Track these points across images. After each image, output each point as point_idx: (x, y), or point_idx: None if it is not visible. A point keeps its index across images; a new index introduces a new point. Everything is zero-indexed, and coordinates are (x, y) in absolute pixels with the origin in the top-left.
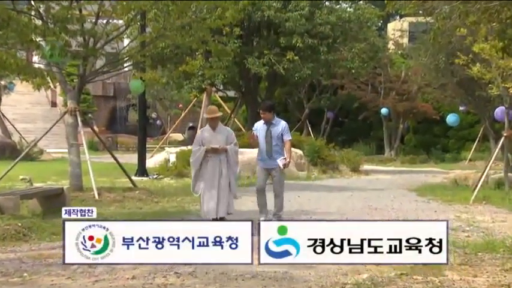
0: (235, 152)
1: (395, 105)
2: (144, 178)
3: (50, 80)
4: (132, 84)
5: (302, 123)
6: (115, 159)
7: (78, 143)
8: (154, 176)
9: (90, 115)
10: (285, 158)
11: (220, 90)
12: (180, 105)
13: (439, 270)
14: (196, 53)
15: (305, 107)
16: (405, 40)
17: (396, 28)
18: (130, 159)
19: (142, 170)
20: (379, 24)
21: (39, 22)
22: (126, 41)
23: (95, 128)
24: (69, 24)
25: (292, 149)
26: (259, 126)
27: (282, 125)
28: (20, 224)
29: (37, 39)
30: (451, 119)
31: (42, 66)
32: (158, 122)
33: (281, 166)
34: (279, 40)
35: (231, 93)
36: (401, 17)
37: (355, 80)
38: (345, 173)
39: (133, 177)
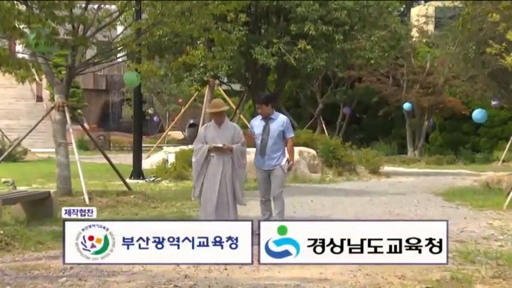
0: (242, 152)
1: (419, 100)
2: (140, 181)
3: (35, 72)
4: (126, 76)
5: (315, 119)
6: (108, 159)
7: (66, 142)
8: (152, 179)
9: (79, 111)
10: (288, 160)
11: (225, 83)
12: (180, 100)
13: (469, 284)
14: (198, 42)
15: (318, 102)
16: (430, 27)
17: (420, 14)
18: (125, 159)
19: (137, 172)
20: (402, 9)
21: (23, 7)
22: (119, 29)
23: (86, 125)
24: (57, 10)
25: (305, 148)
26: (256, 123)
27: (282, 120)
28: (1, 232)
29: (21, 27)
30: (477, 115)
31: (26, 56)
32: (155, 118)
33: (285, 170)
34: (290, 27)
35: (236, 87)
36: (426, 1)
37: (375, 71)
38: (363, 175)
39: (128, 180)
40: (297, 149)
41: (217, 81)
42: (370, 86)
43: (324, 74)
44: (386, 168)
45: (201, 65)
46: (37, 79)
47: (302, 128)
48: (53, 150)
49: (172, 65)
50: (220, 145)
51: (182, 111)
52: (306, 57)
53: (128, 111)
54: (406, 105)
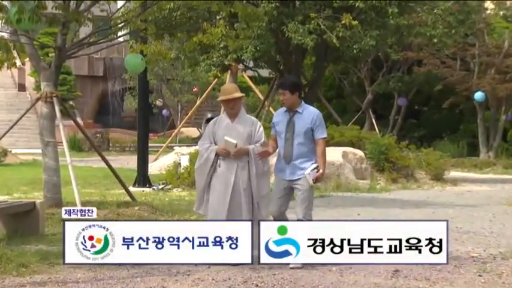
0: (262, 160)
1: (494, 88)
2: (146, 189)
3: (16, 55)
4: (129, 60)
5: (363, 113)
6: (106, 163)
7: (55, 140)
8: (160, 186)
9: (72, 103)
10: (317, 167)
11: (250, 68)
12: (195, 89)
13: None
14: (217, 18)
15: (367, 92)
16: None
17: None
18: (127, 162)
19: (143, 178)
20: None
21: None
22: (120, 2)
23: (79, 120)
24: None
25: (350, 149)
26: (279, 117)
27: (311, 115)
28: None
29: None
30: None
31: (5, 35)
32: (165, 112)
33: (310, 181)
34: None
35: (265, 73)
36: None
37: (438, 52)
38: (423, 182)
39: (131, 188)
40: (340, 150)
41: (240, 66)
42: (433, 71)
43: (375, 56)
44: (453, 173)
45: (221, 45)
46: (19, 63)
47: (347, 124)
48: (39, 151)
49: (185, 45)
50: (233, 141)
51: (198, 102)
52: (352, 36)
53: (131, 103)
54: (478, 95)
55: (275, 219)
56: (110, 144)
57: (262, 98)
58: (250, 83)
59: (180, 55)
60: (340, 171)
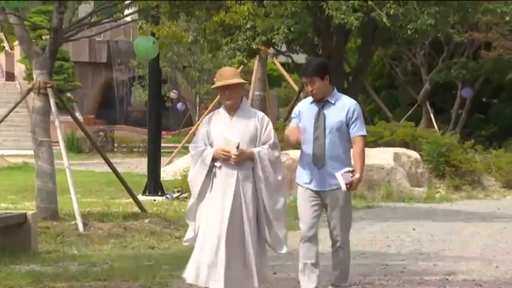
0: (274, 161)
1: None
2: (158, 198)
3: (3, 38)
4: (138, 44)
5: (419, 106)
6: (111, 166)
7: (50, 140)
8: (175, 195)
9: (70, 94)
10: (351, 171)
11: (283, 53)
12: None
13: None
14: None
15: (424, 81)
16: None
17: None
18: (136, 166)
19: (154, 185)
20: None
21: None
22: None
23: (79, 115)
24: None
25: (403, 150)
26: (304, 108)
27: (348, 105)
28: None
29: None
30: None
31: None
32: (180, 105)
33: (342, 185)
34: None
35: (300, 58)
36: None
37: (511, 33)
38: (492, 190)
39: (140, 197)
40: (391, 151)
41: (271, 51)
42: (504, 56)
43: (433, 38)
44: None
45: (248, 26)
46: (6, 48)
47: (399, 120)
48: (31, 152)
49: (205, 26)
50: (236, 140)
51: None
52: (406, 13)
53: (140, 95)
54: None
55: (305, 242)
56: (115, 145)
57: (296, 88)
58: (283, 71)
59: (198, 38)
60: (391, 176)
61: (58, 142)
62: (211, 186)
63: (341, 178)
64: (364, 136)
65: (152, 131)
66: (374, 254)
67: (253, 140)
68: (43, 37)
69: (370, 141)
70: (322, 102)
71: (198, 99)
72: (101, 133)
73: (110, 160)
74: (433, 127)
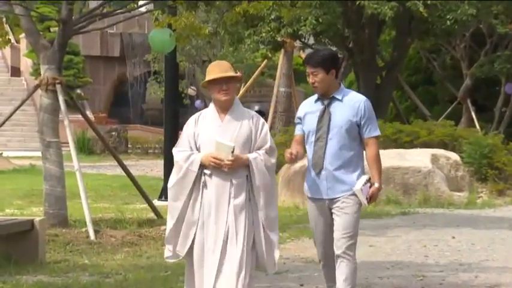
0: (269, 168)
1: None
2: None
3: (9, 30)
4: (154, 36)
5: (459, 104)
6: (124, 169)
7: (59, 140)
8: None
9: (80, 91)
10: (369, 180)
11: (310, 46)
12: (239, 74)
13: None
14: None
15: (465, 76)
16: None
17: None
18: (151, 169)
19: None
20: None
21: None
22: None
23: (89, 114)
24: None
25: (442, 151)
26: (308, 109)
27: (356, 102)
28: None
29: None
30: None
31: None
32: (199, 103)
33: (363, 200)
34: None
35: None
36: None
37: None
38: None
39: (156, 202)
40: (429, 152)
41: (297, 43)
42: None
43: (475, 29)
44: None
45: (272, 17)
46: (12, 41)
47: (437, 118)
48: (38, 153)
49: (225, 17)
50: (230, 144)
51: (242, 91)
52: (445, 3)
53: (156, 91)
54: None
55: (324, 267)
56: (129, 145)
57: None
58: None
59: (218, 30)
60: (429, 180)
61: (67, 143)
62: (201, 197)
63: (360, 194)
64: (377, 137)
65: (169, 131)
66: (410, 264)
67: (247, 143)
68: (51, 29)
69: (406, 142)
70: (327, 99)
71: None
72: (113, 133)
73: (124, 162)
74: (475, 126)
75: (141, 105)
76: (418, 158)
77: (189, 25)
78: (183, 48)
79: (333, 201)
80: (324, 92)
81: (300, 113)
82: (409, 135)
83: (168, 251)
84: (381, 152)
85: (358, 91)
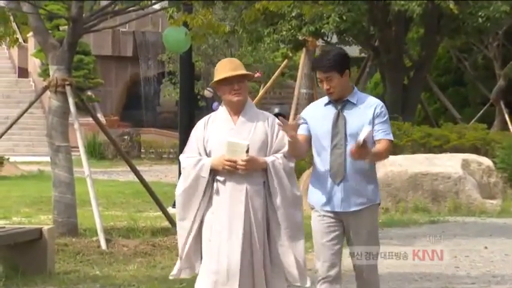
0: (290, 173)
1: None
2: None
3: (16, 29)
4: (168, 35)
5: (492, 106)
6: (137, 175)
7: (69, 145)
8: None
9: (90, 93)
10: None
11: (333, 45)
12: (257, 75)
13: None
14: None
15: (498, 76)
16: None
17: None
18: (165, 175)
19: None
20: None
21: None
22: None
23: (101, 117)
24: None
25: (474, 156)
26: (316, 113)
27: (373, 105)
28: None
29: None
30: None
31: (2, 3)
32: (216, 105)
33: (360, 138)
34: None
35: (353, 51)
36: None
37: None
38: None
39: (170, 209)
40: (459, 157)
41: (320, 42)
42: None
43: (508, 26)
44: None
45: (293, 14)
46: (20, 40)
47: (468, 121)
48: (47, 158)
49: (244, 15)
50: (244, 142)
51: (261, 92)
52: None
53: (170, 93)
54: None
55: (324, 283)
56: (142, 150)
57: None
58: None
59: (236, 28)
60: (459, 187)
61: (77, 147)
62: (212, 206)
63: (365, 132)
64: (391, 141)
65: (184, 135)
66: (440, 276)
67: (262, 148)
68: (61, 28)
69: (435, 146)
70: (341, 102)
71: None
72: (126, 137)
73: (137, 168)
74: (508, 130)
75: (154, 108)
76: (448, 164)
77: (206, 23)
78: (199, 47)
79: (347, 214)
80: (339, 96)
81: (306, 114)
82: (439, 139)
83: (179, 266)
84: (409, 156)
85: (385, 92)
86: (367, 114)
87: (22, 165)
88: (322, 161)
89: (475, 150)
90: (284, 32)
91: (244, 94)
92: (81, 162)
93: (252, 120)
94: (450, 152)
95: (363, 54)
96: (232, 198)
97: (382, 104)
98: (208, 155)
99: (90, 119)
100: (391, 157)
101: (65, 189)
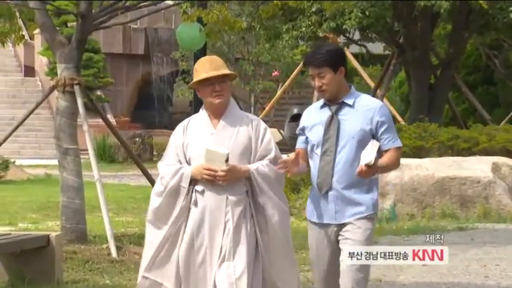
0: (278, 180)
1: None
2: None
3: (22, 25)
4: (182, 32)
5: None
6: (149, 179)
7: (77, 147)
8: None
9: (100, 93)
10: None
11: (356, 42)
12: (275, 73)
13: None
14: None
15: None
16: None
17: None
18: None
19: None
20: None
21: None
22: None
23: (111, 118)
24: None
25: (505, 159)
26: (312, 117)
27: (372, 108)
28: None
29: None
30: None
31: None
32: None
33: (371, 158)
34: None
35: (376, 48)
36: None
37: None
38: None
39: None
40: (489, 161)
41: (341, 39)
42: None
43: None
44: None
45: (313, 9)
46: (26, 37)
47: (499, 122)
48: (54, 162)
49: (261, 10)
50: (223, 151)
51: (279, 92)
52: None
53: (184, 93)
54: None
55: None
56: (155, 152)
57: (372, 85)
58: (355, 64)
59: (253, 24)
60: (489, 192)
61: (86, 150)
62: (188, 218)
63: (370, 150)
64: (399, 148)
65: None
66: (468, 286)
67: (245, 154)
68: (69, 24)
69: (463, 149)
70: (335, 104)
71: (252, 98)
72: (137, 139)
73: (148, 171)
74: None
75: (167, 108)
76: (477, 167)
77: (221, 19)
78: (214, 44)
79: (341, 227)
80: (333, 96)
81: (302, 122)
82: (467, 141)
83: (143, 279)
84: (436, 160)
85: (410, 92)
86: (364, 118)
87: (28, 169)
88: (314, 171)
89: (506, 152)
90: (303, 29)
91: (227, 95)
92: (90, 165)
93: (235, 124)
94: (479, 155)
95: (386, 52)
96: (211, 210)
97: (383, 107)
98: (188, 162)
99: (100, 120)
100: (417, 160)
101: (74, 194)
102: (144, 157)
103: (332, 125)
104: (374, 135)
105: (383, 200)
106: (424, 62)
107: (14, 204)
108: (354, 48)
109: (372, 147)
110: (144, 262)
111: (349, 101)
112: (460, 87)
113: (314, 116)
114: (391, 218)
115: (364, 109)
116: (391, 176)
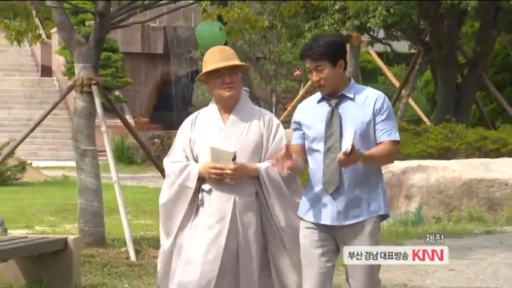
0: (290, 180)
1: None
2: None
3: (39, 24)
4: (202, 30)
5: None
6: None
7: (95, 149)
8: None
9: (119, 93)
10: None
11: (380, 40)
12: (297, 73)
13: None
14: None
15: None
16: None
17: None
18: None
19: None
20: None
21: None
22: None
23: (129, 118)
24: None
25: None
26: (309, 111)
27: (372, 100)
28: None
29: None
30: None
31: None
32: None
33: (347, 146)
34: None
35: (402, 47)
36: None
37: None
38: None
39: None
40: (509, 163)
41: (365, 37)
42: None
43: None
44: None
45: (336, 7)
46: (43, 37)
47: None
48: (72, 163)
49: (283, 8)
50: (230, 150)
51: (301, 92)
52: None
53: (204, 93)
54: None
55: None
56: None
57: (397, 84)
58: (380, 63)
59: (275, 22)
60: (508, 193)
61: (105, 151)
62: (194, 218)
63: (350, 136)
64: (397, 142)
65: None
66: None
67: (256, 151)
68: (87, 23)
69: (491, 150)
70: (335, 97)
71: (274, 98)
72: (156, 140)
73: None
74: None
75: (187, 109)
76: (506, 169)
77: (242, 17)
78: (235, 43)
79: (342, 229)
80: (332, 91)
81: (298, 116)
82: (495, 143)
83: (160, 278)
84: (463, 161)
85: (436, 91)
86: (366, 111)
87: (45, 171)
88: (313, 168)
89: None
90: (326, 27)
91: (238, 88)
92: (108, 167)
93: (246, 120)
94: (508, 157)
95: (412, 50)
96: (217, 211)
97: (382, 96)
98: (195, 159)
99: (118, 120)
100: (443, 162)
101: (92, 197)
102: (163, 158)
103: (334, 120)
104: (376, 128)
105: (408, 203)
106: (451, 61)
107: (31, 207)
108: (379, 47)
109: (348, 134)
110: (159, 275)
111: (350, 94)
112: (488, 86)
113: (311, 110)
114: (416, 221)
115: (366, 101)
116: (417, 179)
